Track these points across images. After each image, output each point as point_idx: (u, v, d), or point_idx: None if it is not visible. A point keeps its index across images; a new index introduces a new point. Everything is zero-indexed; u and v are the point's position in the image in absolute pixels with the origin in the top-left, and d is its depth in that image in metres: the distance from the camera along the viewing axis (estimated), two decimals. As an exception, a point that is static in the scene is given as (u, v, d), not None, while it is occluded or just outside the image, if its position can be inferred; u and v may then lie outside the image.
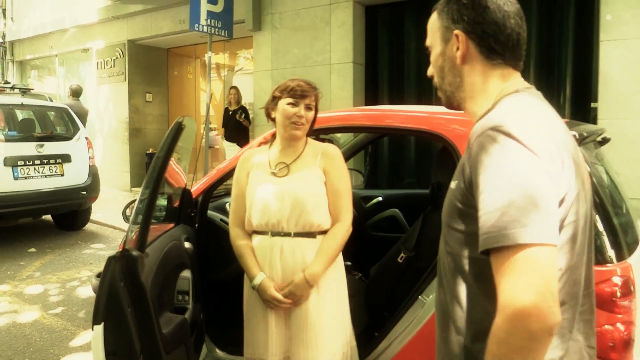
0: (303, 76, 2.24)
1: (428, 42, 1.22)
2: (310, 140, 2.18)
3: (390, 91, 6.95)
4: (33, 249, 6.11)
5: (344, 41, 6.87)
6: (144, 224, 1.57)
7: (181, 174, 2.39)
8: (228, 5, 7.21)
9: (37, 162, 6.18)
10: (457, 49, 1.13)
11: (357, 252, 2.87)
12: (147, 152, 10.20)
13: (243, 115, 7.92)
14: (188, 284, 2.05)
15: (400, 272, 2.39)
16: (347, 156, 3.39)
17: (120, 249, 1.57)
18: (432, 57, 1.20)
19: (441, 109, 2.42)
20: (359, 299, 2.62)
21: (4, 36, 13.36)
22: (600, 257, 1.68)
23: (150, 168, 1.69)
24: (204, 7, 6.79)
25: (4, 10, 13.40)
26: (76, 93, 8.37)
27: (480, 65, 1.13)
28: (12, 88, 7.12)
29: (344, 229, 2.06)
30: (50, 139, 6.45)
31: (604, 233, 1.74)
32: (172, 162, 2.29)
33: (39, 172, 6.18)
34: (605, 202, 1.85)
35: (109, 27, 10.32)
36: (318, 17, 7.11)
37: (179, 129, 1.70)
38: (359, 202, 3.64)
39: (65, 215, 6.96)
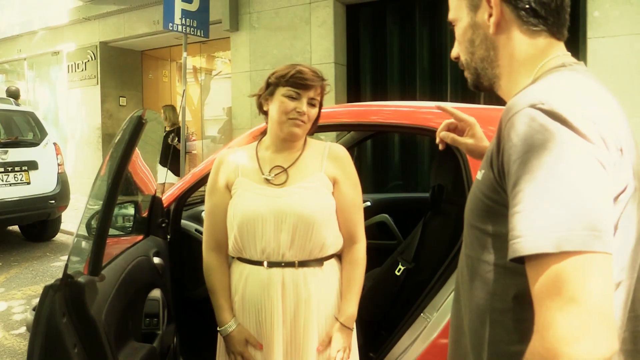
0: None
1: (451, 16, 1.01)
2: (310, 139, 1.73)
3: (373, 92, 6.73)
4: (-3, 263, 5.74)
5: (324, 41, 6.64)
6: (97, 242, 1.28)
7: (150, 179, 2.11)
8: (204, 4, 6.91)
9: (1, 169, 5.78)
10: (490, 15, 0.91)
11: None
12: (122, 158, 9.76)
13: (176, 139, 6.52)
14: (158, 305, 1.77)
15: (399, 286, 2.15)
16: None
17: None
18: (459, 32, 0.99)
19: (426, 104, 2.24)
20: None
21: (-31, 39, 12.82)
22: None
23: (103, 173, 1.40)
24: (179, 5, 6.49)
25: (-31, 13, 12.85)
26: (14, 95, 7.75)
27: (518, 33, 0.91)
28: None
29: (363, 251, 1.67)
30: (16, 145, 6.07)
31: None
32: (141, 165, 2.02)
33: (3, 180, 5.79)
34: None
35: (80, 29, 9.91)
36: (298, 17, 6.87)
37: (138, 124, 1.35)
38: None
39: (33, 225, 6.56)
